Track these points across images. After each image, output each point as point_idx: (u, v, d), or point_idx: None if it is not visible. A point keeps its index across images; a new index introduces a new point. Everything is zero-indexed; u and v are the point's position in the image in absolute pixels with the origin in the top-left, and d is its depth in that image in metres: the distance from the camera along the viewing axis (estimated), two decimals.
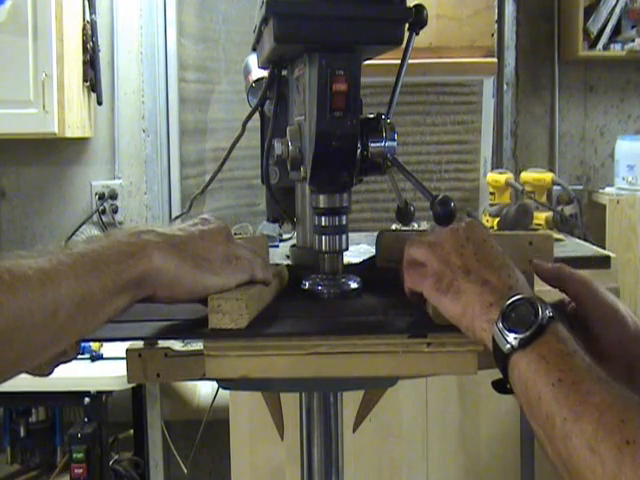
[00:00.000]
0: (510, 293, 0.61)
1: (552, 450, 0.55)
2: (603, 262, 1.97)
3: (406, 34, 0.80)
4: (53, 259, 0.57)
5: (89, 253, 0.60)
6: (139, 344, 0.74)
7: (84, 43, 2.48)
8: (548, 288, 0.74)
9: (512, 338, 0.58)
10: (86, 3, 2.50)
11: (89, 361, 2.20)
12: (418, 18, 0.80)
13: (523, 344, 0.58)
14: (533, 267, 0.76)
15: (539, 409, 0.56)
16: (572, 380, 0.54)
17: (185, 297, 0.67)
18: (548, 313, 0.59)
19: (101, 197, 2.63)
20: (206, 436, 2.61)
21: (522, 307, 0.59)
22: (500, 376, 0.61)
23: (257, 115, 0.96)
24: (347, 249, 0.83)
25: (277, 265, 0.84)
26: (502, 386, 0.61)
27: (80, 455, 2.15)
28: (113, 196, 2.64)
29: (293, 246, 0.95)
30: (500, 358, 0.59)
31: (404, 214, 0.89)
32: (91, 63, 2.50)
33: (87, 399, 2.18)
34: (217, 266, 0.68)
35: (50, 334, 0.56)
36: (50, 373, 0.69)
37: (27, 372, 0.68)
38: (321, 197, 0.81)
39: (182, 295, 0.66)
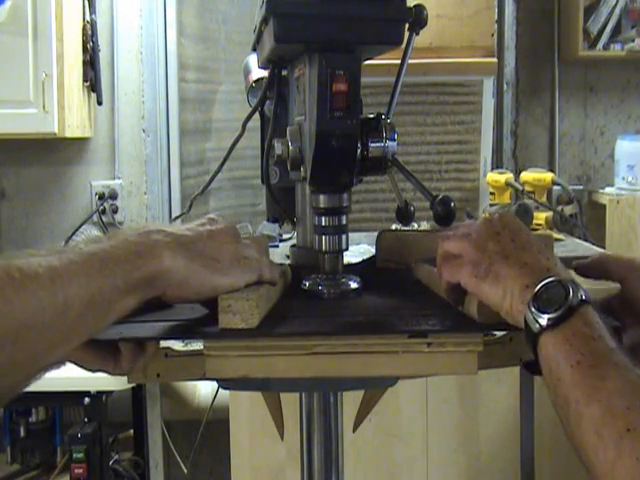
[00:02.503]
0: (547, 274, 0.62)
1: (568, 431, 0.56)
2: None
3: (406, 34, 0.80)
4: (63, 258, 0.57)
5: (99, 252, 0.60)
6: None
7: (84, 43, 2.48)
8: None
9: (542, 319, 0.59)
10: (86, 3, 2.50)
11: None
12: (418, 18, 0.80)
13: (551, 325, 0.58)
14: (574, 268, 0.76)
15: (559, 390, 0.56)
16: (590, 364, 0.55)
17: (194, 297, 0.67)
18: (580, 296, 0.59)
19: (101, 197, 2.63)
20: (206, 436, 2.61)
21: (554, 289, 0.60)
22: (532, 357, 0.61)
23: (257, 115, 0.96)
24: (347, 249, 0.83)
25: (281, 265, 0.84)
26: (533, 367, 0.61)
27: (80, 455, 2.15)
28: (113, 196, 2.64)
29: (293, 246, 0.95)
30: (530, 338, 0.60)
31: (404, 214, 0.89)
32: (91, 63, 2.50)
33: (87, 399, 2.18)
34: (226, 266, 0.68)
35: (60, 333, 0.56)
36: (130, 372, 0.70)
37: (107, 372, 0.68)
38: (321, 197, 0.81)
39: (191, 295, 0.66)
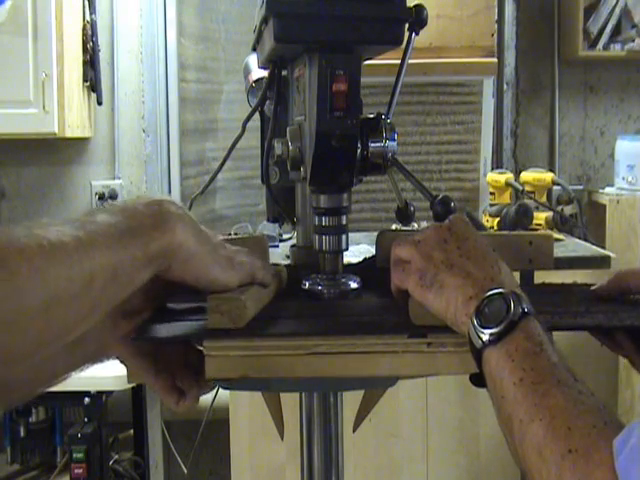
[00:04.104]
0: (491, 285, 0.61)
1: (512, 448, 0.55)
2: (603, 262, 1.97)
3: (406, 34, 0.80)
4: (84, 228, 0.55)
5: (116, 224, 0.58)
6: None
7: (84, 43, 2.48)
8: None
9: (484, 334, 0.59)
10: (86, 3, 2.50)
11: None
12: (418, 18, 0.80)
13: (493, 340, 0.58)
14: (594, 293, 0.77)
15: (503, 407, 0.56)
16: (532, 380, 0.55)
17: (192, 281, 0.66)
18: (521, 309, 0.59)
19: (101, 197, 2.64)
20: (206, 436, 2.61)
21: (496, 302, 0.60)
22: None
23: (257, 115, 0.96)
24: (347, 249, 0.83)
25: (276, 265, 0.84)
26: (479, 380, 0.61)
27: (80, 455, 2.15)
28: (113, 196, 2.64)
29: (293, 246, 0.95)
30: (474, 353, 0.60)
31: (404, 214, 0.89)
32: (91, 63, 2.50)
33: (87, 399, 2.18)
34: (223, 262, 0.68)
35: (86, 306, 0.54)
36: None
37: (169, 404, 0.69)
38: (321, 197, 0.81)
39: (190, 278, 0.65)
